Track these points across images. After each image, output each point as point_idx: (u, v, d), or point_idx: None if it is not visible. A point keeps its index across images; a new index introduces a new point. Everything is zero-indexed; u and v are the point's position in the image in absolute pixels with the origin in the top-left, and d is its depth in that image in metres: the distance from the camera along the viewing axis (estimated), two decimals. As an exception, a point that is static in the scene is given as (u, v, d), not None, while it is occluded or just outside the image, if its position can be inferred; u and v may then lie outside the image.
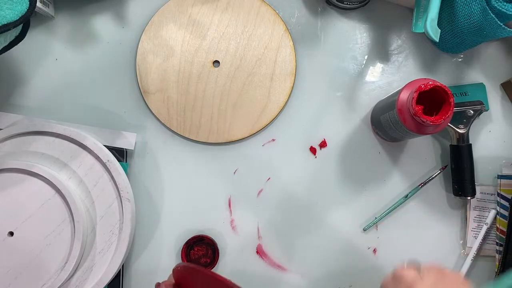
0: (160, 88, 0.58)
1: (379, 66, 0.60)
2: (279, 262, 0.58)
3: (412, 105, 0.46)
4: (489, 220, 0.57)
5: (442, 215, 0.59)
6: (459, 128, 0.56)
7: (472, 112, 0.56)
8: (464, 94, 0.59)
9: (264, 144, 0.59)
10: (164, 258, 0.58)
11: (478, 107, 0.57)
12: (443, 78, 0.60)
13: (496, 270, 0.56)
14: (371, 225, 0.58)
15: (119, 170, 0.53)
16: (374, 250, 0.58)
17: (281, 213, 0.58)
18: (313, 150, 0.59)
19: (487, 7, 0.48)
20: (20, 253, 0.51)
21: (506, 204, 0.56)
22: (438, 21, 0.49)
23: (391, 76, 0.60)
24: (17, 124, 0.55)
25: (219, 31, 0.58)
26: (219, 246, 0.57)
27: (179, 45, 0.58)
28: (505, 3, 0.48)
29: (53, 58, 0.59)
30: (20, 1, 0.45)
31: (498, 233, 0.57)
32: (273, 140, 0.59)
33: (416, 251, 0.58)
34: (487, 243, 0.58)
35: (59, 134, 0.53)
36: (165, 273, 0.57)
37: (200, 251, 0.57)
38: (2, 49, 0.48)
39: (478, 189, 0.58)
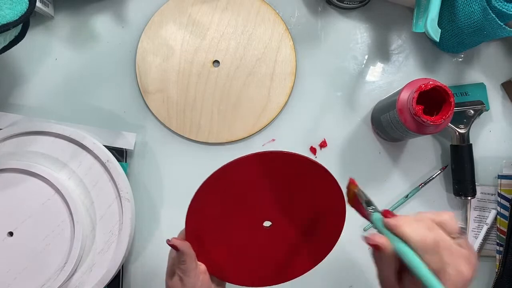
0: (160, 88, 0.58)
1: (379, 66, 0.60)
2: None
3: (412, 105, 0.46)
4: (489, 220, 0.57)
5: (443, 215, 0.59)
6: (460, 128, 0.56)
7: (472, 112, 0.56)
8: (464, 94, 0.59)
9: (264, 144, 0.59)
10: (163, 258, 0.57)
11: (479, 107, 0.57)
12: (443, 78, 0.60)
13: (496, 270, 0.56)
14: (372, 225, 0.58)
15: (118, 170, 0.53)
16: (374, 250, 0.58)
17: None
18: (313, 150, 0.59)
19: (488, 7, 0.48)
20: (19, 253, 0.51)
21: (507, 204, 0.56)
22: (438, 21, 0.49)
23: (391, 76, 0.60)
24: (17, 124, 0.55)
25: (219, 31, 0.58)
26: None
27: (179, 44, 0.58)
28: (505, 3, 0.48)
29: (52, 58, 0.59)
30: (20, 1, 0.45)
31: (498, 233, 0.57)
32: (273, 140, 0.59)
33: (416, 251, 0.58)
34: (488, 243, 0.58)
35: (59, 134, 0.53)
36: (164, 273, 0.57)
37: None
38: (1, 49, 0.48)
39: (478, 189, 0.58)
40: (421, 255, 0.31)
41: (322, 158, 0.59)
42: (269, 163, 0.39)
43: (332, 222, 0.44)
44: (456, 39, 0.55)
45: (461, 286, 0.32)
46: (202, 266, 0.43)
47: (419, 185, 0.58)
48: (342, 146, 0.59)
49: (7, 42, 0.48)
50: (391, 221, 0.33)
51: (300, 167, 0.40)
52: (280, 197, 0.41)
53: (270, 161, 0.39)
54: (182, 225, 0.58)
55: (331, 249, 0.45)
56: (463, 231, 0.35)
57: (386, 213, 0.34)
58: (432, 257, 0.31)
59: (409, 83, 0.50)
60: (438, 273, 0.31)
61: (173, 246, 0.41)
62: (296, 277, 0.46)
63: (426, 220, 0.33)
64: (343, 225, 0.44)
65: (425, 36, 0.58)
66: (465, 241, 0.34)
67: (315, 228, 0.44)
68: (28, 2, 0.45)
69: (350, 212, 0.58)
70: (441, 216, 0.34)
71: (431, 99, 0.47)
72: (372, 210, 0.36)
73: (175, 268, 0.42)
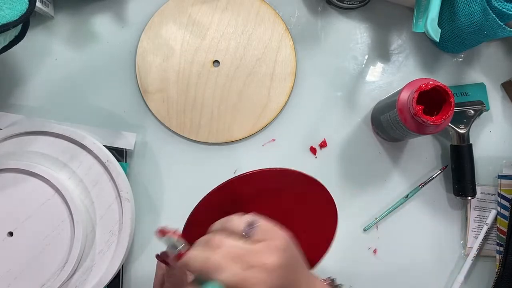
0: (160, 88, 0.58)
1: (379, 66, 0.60)
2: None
3: (412, 105, 0.46)
4: (489, 220, 0.57)
5: (443, 215, 0.59)
6: (460, 128, 0.56)
7: (472, 112, 0.56)
8: (464, 94, 0.59)
9: (264, 144, 0.59)
10: (164, 258, 0.58)
11: (479, 107, 0.57)
12: (443, 78, 0.60)
13: (496, 270, 0.56)
14: (372, 225, 0.58)
15: (118, 170, 0.53)
16: (375, 251, 0.58)
17: (281, 213, 0.58)
18: (313, 150, 0.59)
19: (488, 7, 0.48)
20: (19, 253, 0.51)
21: (507, 204, 0.56)
22: (438, 21, 0.49)
23: (391, 76, 0.60)
24: (17, 124, 0.55)
25: (219, 31, 0.58)
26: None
27: (179, 45, 0.58)
28: (505, 3, 0.48)
29: (52, 58, 0.59)
30: (20, 0, 0.45)
31: (498, 233, 0.57)
32: (273, 140, 0.59)
33: (416, 251, 0.58)
34: (488, 243, 0.58)
35: (59, 134, 0.53)
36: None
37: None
38: (1, 49, 0.48)
39: (478, 189, 0.58)
40: (214, 279, 0.30)
41: (322, 158, 0.59)
42: (256, 182, 0.39)
43: (325, 225, 0.44)
44: (456, 39, 0.55)
45: (274, 276, 0.31)
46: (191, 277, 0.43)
47: (419, 185, 0.58)
48: (342, 146, 0.59)
49: (7, 42, 0.48)
50: (180, 262, 0.33)
51: (284, 179, 0.40)
52: (276, 209, 0.41)
53: (257, 179, 0.39)
54: (182, 225, 0.58)
55: (326, 250, 0.44)
56: (251, 225, 0.33)
57: (179, 256, 0.34)
58: (225, 274, 0.30)
59: (409, 83, 0.50)
60: (241, 284, 0.30)
61: (163, 261, 0.41)
62: None
63: (216, 234, 0.33)
64: (336, 226, 0.44)
65: (425, 36, 0.58)
66: (259, 230, 0.33)
67: (311, 233, 0.44)
68: (28, 2, 0.45)
69: (350, 212, 0.58)
70: (227, 222, 0.34)
71: (431, 99, 0.47)
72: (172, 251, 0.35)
73: (165, 280, 0.42)
